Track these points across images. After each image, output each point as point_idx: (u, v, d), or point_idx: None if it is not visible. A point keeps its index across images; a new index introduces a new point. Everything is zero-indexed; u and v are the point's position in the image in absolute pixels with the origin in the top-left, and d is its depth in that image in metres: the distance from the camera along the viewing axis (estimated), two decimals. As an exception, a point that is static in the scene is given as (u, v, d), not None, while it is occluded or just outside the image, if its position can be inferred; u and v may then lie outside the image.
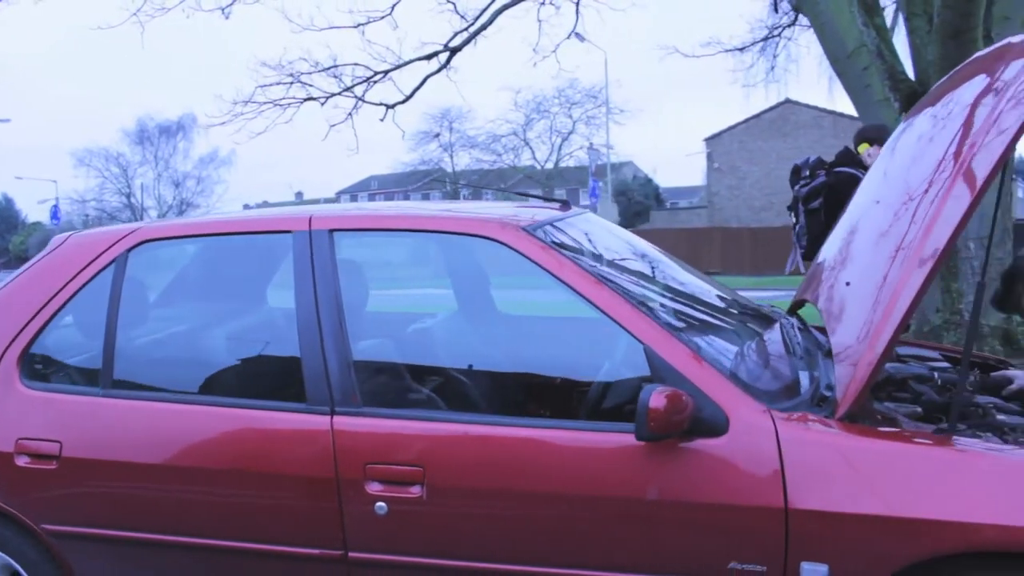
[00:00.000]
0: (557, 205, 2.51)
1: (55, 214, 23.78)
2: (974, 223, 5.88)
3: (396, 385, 2.10)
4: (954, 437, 1.82)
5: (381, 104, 8.91)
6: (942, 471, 1.71)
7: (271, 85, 8.02)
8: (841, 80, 6.14)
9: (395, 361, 2.18)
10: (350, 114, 8.46)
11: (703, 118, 58.04)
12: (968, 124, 2.05)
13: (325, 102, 8.36)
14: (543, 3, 8.70)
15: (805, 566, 1.72)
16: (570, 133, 30.02)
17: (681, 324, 1.98)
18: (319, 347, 2.02)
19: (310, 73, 8.15)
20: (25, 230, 41.44)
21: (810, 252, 4.42)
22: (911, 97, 5.94)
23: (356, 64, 8.30)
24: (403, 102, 8.60)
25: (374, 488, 1.92)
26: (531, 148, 30.26)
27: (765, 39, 10.39)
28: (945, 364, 2.76)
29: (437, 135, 31.20)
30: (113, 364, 2.17)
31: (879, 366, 1.77)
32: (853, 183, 4.14)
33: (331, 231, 2.12)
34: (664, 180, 47.99)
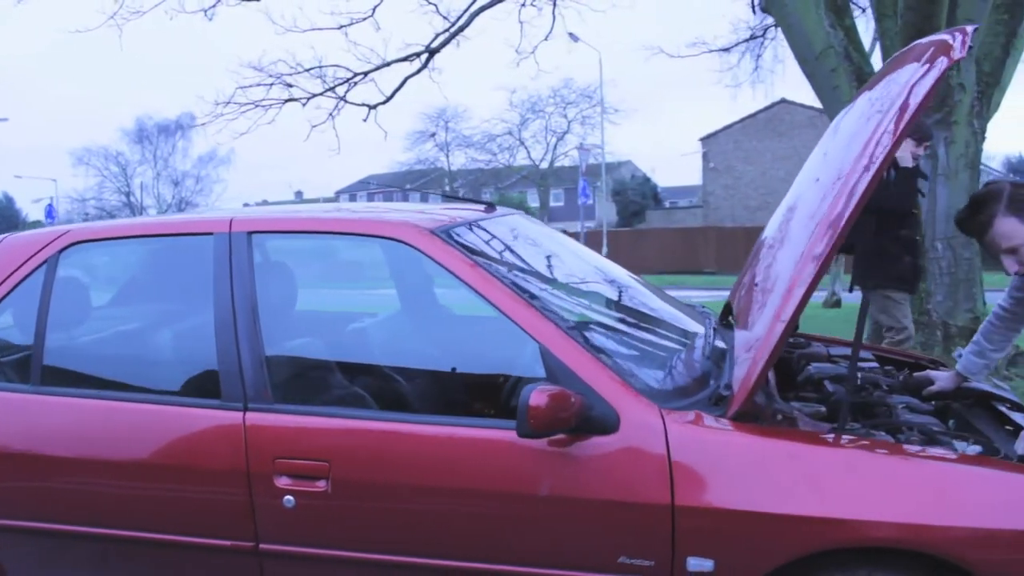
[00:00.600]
0: (482, 207, 2.55)
1: (50, 212, 23.92)
2: (941, 223, 5.90)
3: (308, 382, 2.15)
4: (843, 436, 1.86)
5: (363, 105, 8.96)
6: (825, 469, 1.75)
7: (251, 86, 8.08)
8: (810, 81, 6.16)
9: (309, 359, 2.23)
10: (331, 115, 8.52)
11: (701, 118, 58.06)
12: (872, 122, 2.08)
13: (306, 103, 8.42)
14: (524, 4, 8.74)
15: (691, 561, 1.77)
16: (565, 133, 30.12)
17: (581, 325, 2.02)
18: (234, 345, 2.07)
19: (290, 74, 8.21)
20: (25, 229, 41.56)
21: (843, 246, 4.48)
22: (878, 98, 5.98)
23: (336, 66, 8.36)
24: (384, 103, 8.65)
25: (283, 482, 1.98)
26: (526, 148, 30.35)
27: (748, 39, 10.41)
28: (875, 364, 2.80)
29: (433, 135, 31.29)
30: (42, 361, 2.23)
31: (767, 366, 1.81)
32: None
33: (249, 233, 2.17)
34: (663, 180, 47.97)
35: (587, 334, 1.96)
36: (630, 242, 30.07)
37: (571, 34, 24.93)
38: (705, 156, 31.27)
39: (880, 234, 4.26)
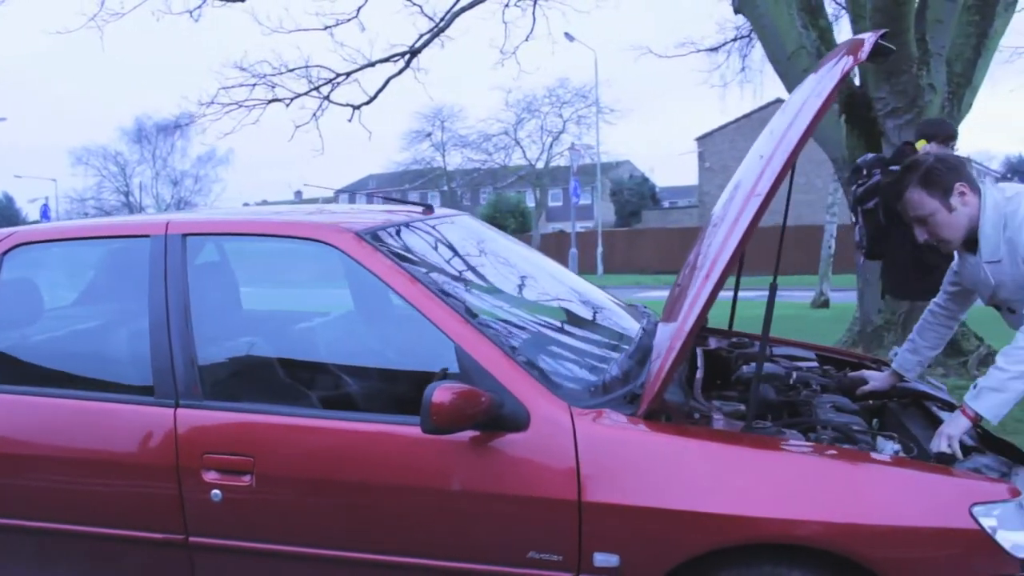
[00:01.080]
0: (421, 209, 2.59)
1: (45, 212, 24.03)
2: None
3: (237, 379, 2.20)
4: (750, 435, 1.89)
5: (348, 105, 9.01)
6: (729, 467, 1.78)
7: (233, 87, 8.13)
8: (783, 81, 6.20)
9: (239, 356, 2.27)
10: (315, 115, 8.57)
11: (699, 117, 58.04)
12: (785, 120, 2.12)
13: (290, 103, 8.47)
14: (507, 5, 8.78)
15: (598, 556, 1.81)
16: (560, 132, 30.11)
17: (500, 325, 2.06)
18: (167, 343, 2.12)
19: (273, 75, 8.26)
20: (23, 229, 41.64)
21: (871, 252, 4.32)
22: (851, 98, 6.01)
23: (319, 66, 8.41)
24: (367, 103, 8.70)
25: (210, 476, 2.03)
26: (522, 148, 30.36)
27: (735, 39, 10.43)
28: (815, 364, 2.83)
29: (429, 135, 31.34)
30: None
31: (674, 366, 1.85)
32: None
33: (184, 235, 2.22)
34: (661, 180, 48.03)
35: (504, 334, 2.00)
36: (626, 242, 30.10)
37: (567, 34, 25.10)
38: (701, 156, 31.28)
39: (917, 244, 4.17)
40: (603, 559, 1.80)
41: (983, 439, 2.24)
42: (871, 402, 2.58)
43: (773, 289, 1.99)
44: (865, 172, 4.31)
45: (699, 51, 11.16)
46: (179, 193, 43.26)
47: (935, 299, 2.60)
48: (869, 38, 1.93)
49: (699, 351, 2.69)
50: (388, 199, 2.68)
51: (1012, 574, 1.72)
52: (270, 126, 9.29)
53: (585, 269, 29.04)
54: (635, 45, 28.40)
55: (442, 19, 8.14)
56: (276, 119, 9.34)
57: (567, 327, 2.31)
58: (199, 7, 8.38)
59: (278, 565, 2.03)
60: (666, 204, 43.50)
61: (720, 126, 30.23)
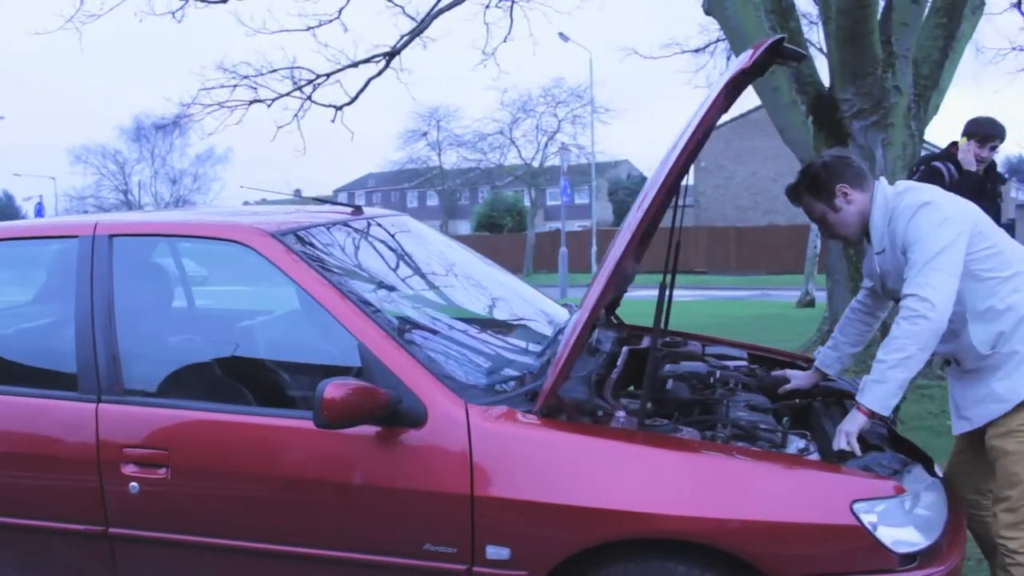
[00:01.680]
0: (350, 210, 2.65)
1: (39, 211, 24.17)
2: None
3: (156, 376, 2.25)
4: (640, 433, 1.94)
5: (330, 106, 9.07)
6: (616, 464, 1.83)
7: (214, 88, 8.20)
8: (752, 82, 6.24)
9: (159, 353, 2.33)
10: (296, 116, 8.63)
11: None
12: (691, 119, 2.16)
13: (271, 104, 8.53)
14: (488, 6, 8.83)
15: (490, 549, 1.86)
16: (555, 132, 30.10)
17: (406, 324, 2.12)
18: (91, 341, 2.18)
19: (255, 76, 8.31)
20: (22, 227, 41.81)
21: None
22: (818, 99, 6.05)
23: (299, 67, 8.47)
24: (349, 103, 8.76)
25: (129, 469, 2.09)
26: (517, 147, 30.36)
27: (717, 40, 10.45)
28: (743, 363, 2.87)
29: (424, 134, 31.38)
30: None
31: (567, 365, 1.90)
32: (933, 177, 3.93)
33: (111, 236, 2.28)
34: (661, 179, 47.88)
35: (409, 333, 2.06)
36: (621, 241, 30.05)
37: (561, 34, 25.12)
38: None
39: None
40: (495, 552, 1.85)
41: (892, 437, 2.29)
42: (797, 401, 2.62)
43: (662, 288, 2.04)
44: (914, 169, 4.32)
45: (684, 52, 11.20)
46: (178, 191, 43.32)
47: (856, 296, 2.65)
48: (762, 45, 1.98)
49: (624, 350, 2.74)
50: (320, 200, 2.74)
51: (891, 568, 1.76)
52: (269, 125, 9.35)
53: (581, 268, 29.10)
54: (622, 46, 28.38)
55: (422, 21, 8.19)
56: (274, 118, 9.40)
57: (477, 327, 2.36)
58: (181, 8, 8.43)
59: (191, 555, 2.09)
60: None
61: (715, 126, 30.14)
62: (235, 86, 8.22)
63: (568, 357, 1.90)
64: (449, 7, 7.94)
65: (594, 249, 27.35)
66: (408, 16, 8.82)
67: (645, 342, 3.03)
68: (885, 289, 2.35)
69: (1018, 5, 9.48)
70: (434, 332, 2.16)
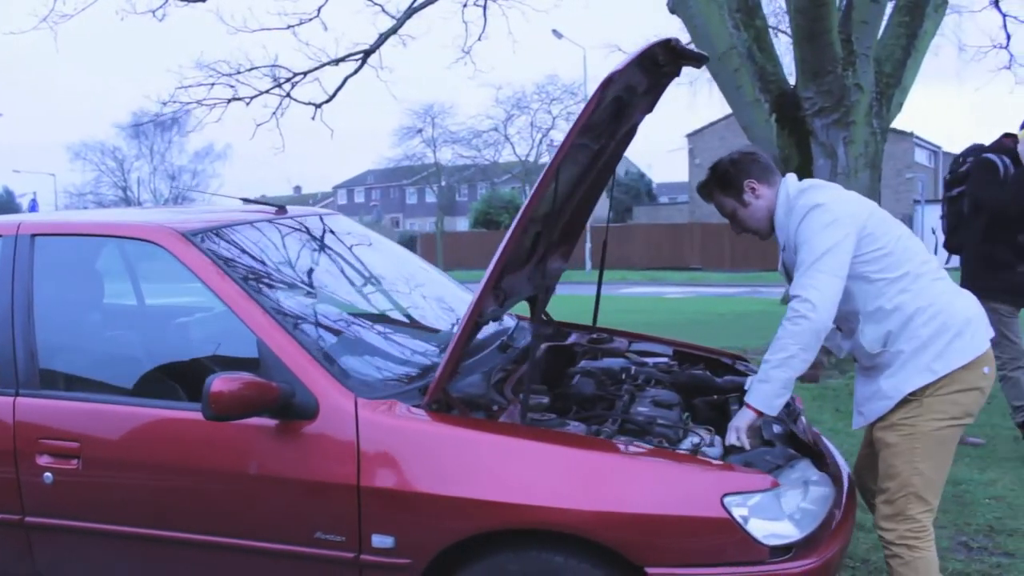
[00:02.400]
0: (274, 210, 2.71)
1: (33, 207, 24.30)
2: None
3: (71, 370, 2.32)
4: (522, 427, 2.00)
5: (310, 103, 9.14)
6: (495, 457, 1.89)
7: (192, 86, 8.27)
8: (716, 81, 6.28)
9: (74, 348, 2.40)
10: (274, 114, 8.70)
11: (692, 114, 57.94)
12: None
13: (250, 102, 8.60)
14: (466, 4, 8.88)
15: (375, 537, 1.93)
16: (550, 129, 30.18)
17: (307, 321, 2.18)
18: (11, 337, 2.26)
19: (232, 74, 8.38)
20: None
21: (948, 244, 4.15)
22: (780, 98, 6.10)
23: (277, 66, 8.54)
24: (327, 101, 8.83)
25: (43, 460, 2.17)
26: (511, 144, 30.46)
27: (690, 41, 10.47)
28: (663, 360, 2.92)
29: (419, 131, 31.45)
30: None
31: (451, 361, 1.96)
32: (987, 170, 3.85)
33: (33, 236, 2.35)
34: (659, 176, 48.02)
35: (307, 329, 2.12)
36: (616, 238, 30.09)
37: (554, 31, 25.13)
38: (691, 152, 31.29)
39: (992, 238, 3.90)
40: (380, 540, 1.92)
41: (790, 434, 2.35)
42: (715, 397, 2.67)
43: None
44: (960, 159, 4.16)
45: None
46: (177, 188, 43.44)
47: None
48: (643, 49, 2.03)
49: (542, 347, 2.80)
50: (245, 200, 2.81)
51: (762, 560, 1.81)
52: (270, 124, 9.40)
53: (575, 264, 29.12)
54: (607, 43, 28.43)
55: (398, 20, 8.25)
56: (253, 115, 9.46)
57: (381, 324, 2.42)
58: (162, 7, 8.50)
59: (102, 543, 2.16)
60: (665, 200, 43.48)
61: (711, 123, 30.22)
62: (212, 84, 8.29)
63: (451, 354, 1.96)
64: (423, 6, 8.00)
65: (588, 246, 27.39)
66: (388, 14, 8.89)
67: (573, 338, 3.09)
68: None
69: (996, 3, 9.51)
70: (334, 329, 2.23)
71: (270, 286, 2.23)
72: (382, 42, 8.21)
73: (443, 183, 35.07)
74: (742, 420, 2.14)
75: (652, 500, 1.81)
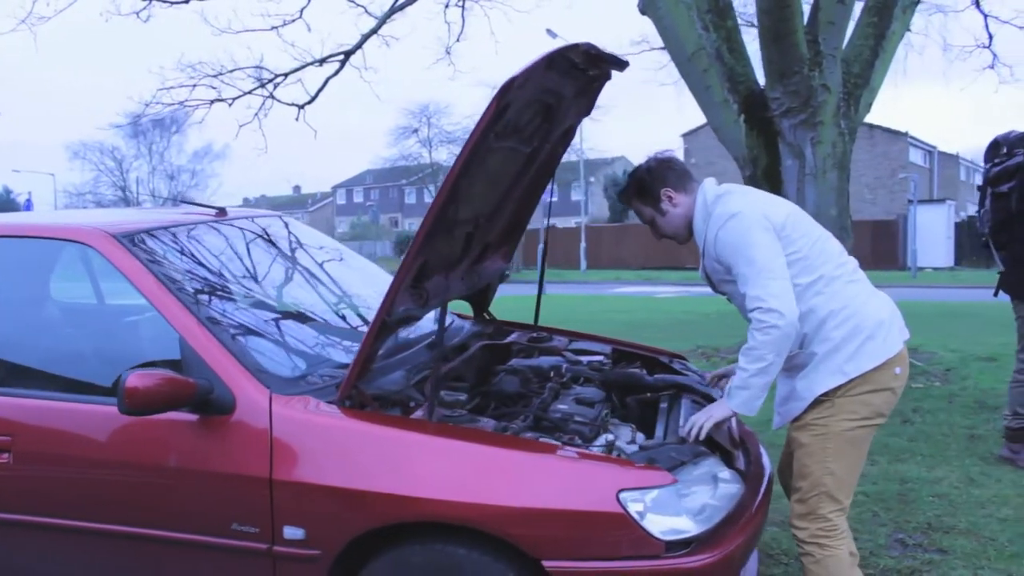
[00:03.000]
0: (214, 212, 2.77)
1: (28, 207, 24.43)
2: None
3: (4, 367, 2.38)
4: (427, 423, 2.05)
5: (293, 104, 9.19)
6: (399, 452, 1.94)
7: (173, 88, 8.33)
8: (686, 82, 6.30)
9: (8, 346, 2.45)
10: (256, 115, 8.76)
11: (689, 113, 57.95)
12: None
13: (232, 103, 8.66)
14: (448, 5, 8.94)
15: (287, 529, 1.98)
16: (545, 129, 30.22)
17: (231, 320, 2.24)
18: None
19: (213, 76, 8.44)
20: (22, 224, 42.20)
21: (995, 240, 3.95)
22: (749, 98, 6.12)
23: (259, 67, 8.59)
24: (309, 102, 8.89)
25: None
26: (506, 144, 30.44)
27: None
28: (598, 359, 2.97)
29: (415, 130, 31.53)
30: None
31: (361, 359, 2.02)
32: None
33: None
34: (659, 175, 47.95)
35: (229, 327, 2.18)
36: (612, 238, 30.18)
37: (548, 30, 25.15)
38: (687, 152, 31.31)
39: None
40: (291, 532, 1.98)
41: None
42: (648, 395, 2.72)
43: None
44: (1005, 151, 3.95)
45: (652, 49, 11.26)
46: (176, 188, 43.52)
47: None
48: (547, 52, 2.08)
49: (476, 345, 2.86)
50: (186, 202, 2.87)
51: (657, 555, 1.84)
52: (267, 124, 9.48)
53: (571, 264, 29.17)
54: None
55: (378, 21, 8.30)
56: (271, 117, 9.48)
57: (306, 323, 2.48)
58: (146, 7, 8.56)
59: (32, 535, 2.22)
60: (665, 200, 43.46)
61: (705, 123, 30.20)
62: (194, 86, 8.35)
63: (360, 352, 2.01)
64: (402, 7, 8.05)
65: (583, 246, 27.44)
66: (371, 15, 8.95)
67: (513, 336, 3.14)
68: (715, 289, 2.43)
69: (977, 3, 9.54)
70: (256, 327, 2.28)
71: (196, 286, 2.29)
72: (362, 43, 8.27)
73: (438, 183, 35.03)
74: (712, 415, 2.16)
75: (547, 495, 1.86)
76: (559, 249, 30.54)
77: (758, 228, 2.17)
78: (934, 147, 33.52)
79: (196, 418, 2.06)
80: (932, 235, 25.26)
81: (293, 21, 8.99)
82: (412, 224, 42.44)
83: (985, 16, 9.78)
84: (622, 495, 1.85)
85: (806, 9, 6.17)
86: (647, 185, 2.40)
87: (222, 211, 2.79)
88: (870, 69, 6.17)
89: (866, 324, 2.20)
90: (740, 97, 6.10)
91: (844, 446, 2.19)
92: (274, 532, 2.00)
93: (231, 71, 8.48)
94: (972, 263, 25.86)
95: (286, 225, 2.98)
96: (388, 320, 2.04)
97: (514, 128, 2.37)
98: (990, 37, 10.16)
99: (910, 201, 25.32)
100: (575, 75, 2.44)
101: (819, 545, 2.21)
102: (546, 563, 1.85)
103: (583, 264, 27.49)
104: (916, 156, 32.30)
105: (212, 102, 8.71)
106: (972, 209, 37.34)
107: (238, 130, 8.92)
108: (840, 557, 2.22)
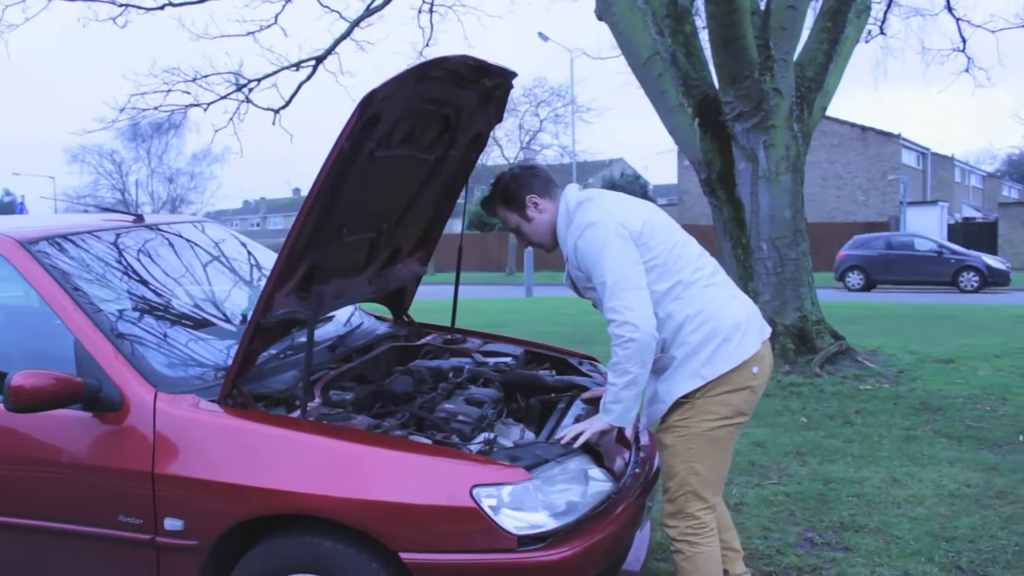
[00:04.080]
0: (131, 218, 2.87)
1: (20, 210, 24.62)
2: (765, 224, 6.14)
3: None
4: (302, 421, 2.14)
5: (268, 109, 9.31)
6: (269, 447, 2.03)
7: (148, 93, 8.45)
8: (642, 86, 6.40)
9: None
10: (231, 120, 8.88)
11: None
12: None
13: (208, 108, 8.77)
14: (420, 11, 9.05)
15: (167, 521, 2.07)
16: (538, 131, 30.36)
17: (125, 322, 2.32)
18: None
19: (188, 80, 8.56)
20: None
21: None
22: (703, 103, 6.22)
23: (232, 73, 8.71)
24: (284, 107, 9.01)
25: None
26: (499, 146, 30.60)
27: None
28: (505, 360, 3.03)
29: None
30: None
31: (237, 360, 2.11)
32: None
33: None
34: (656, 178, 48.18)
35: (122, 330, 2.26)
36: (606, 239, 30.14)
37: (540, 33, 25.29)
38: (680, 154, 31.33)
39: None
40: (171, 523, 2.07)
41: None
42: (552, 395, 2.79)
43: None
44: None
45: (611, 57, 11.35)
46: (175, 191, 43.62)
47: None
48: (414, 65, 2.16)
49: (383, 346, 2.95)
50: (106, 209, 2.97)
51: (510, 548, 1.91)
52: (265, 124, 9.54)
53: (564, 267, 29.14)
54: (573, 47, 28.52)
55: (348, 26, 8.41)
56: (269, 118, 9.57)
57: (204, 326, 2.56)
58: (121, 13, 8.68)
59: None
60: (664, 201, 43.58)
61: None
62: (168, 91, 8.46)
63: (238, 354, 2.11)
64: (371, 13, 8.15)
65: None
66: (345, 20, 9.07)
67: (430, 338, 3.22)
68: (581, 296, 2.46)
69: (949, 7, 9.62)
70: (151, 330, 2.37)
71: (95, 290, 2.38)
72: (333, 48, 8.39)
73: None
74: (589, 427, 2.19)
75: (404, 490, 1.94)
76: (554, 252, 30.53)
77: (614, 237, 2.21)
78: (927, 149, 33.56)
79: (89, 415, 2.15)
80: (925, 237, 25.30)
81: (269, 27, 9.11)
82: (410, 226, 42.62)
83: (957, 20, 9.88)
84: (475, 490, 1.92)
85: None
86: (512, 192, 2.42)
87: (139, 217, 2.89)
88: (824, 73, 6.27)
89: (722, 327, 2.24)
90: (694, 101, 6.20)
91: (706, 446, 2.25)
92: (156, 523, 2.08)
93: (205, 76, 8.59)
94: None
95: (203, 230, 3.08)
96: (263, 323, 2.13)
97: (407, 137, 2.45)
98: (964, 41, 10.25)
99: (902, 202, 25.36)
100: (469, 85, 2.53)
101: (688, 543, 2.28)
102: (403, 555, 1.93)
103: (576, 266, 27.54)
104: (909, 158, 32.34)
105: (187, 107, 8.83)
106: (967, 210, 37.30)
107: (213, 135, 9.03)
108: (708, 554, 2.28)
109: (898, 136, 30.18)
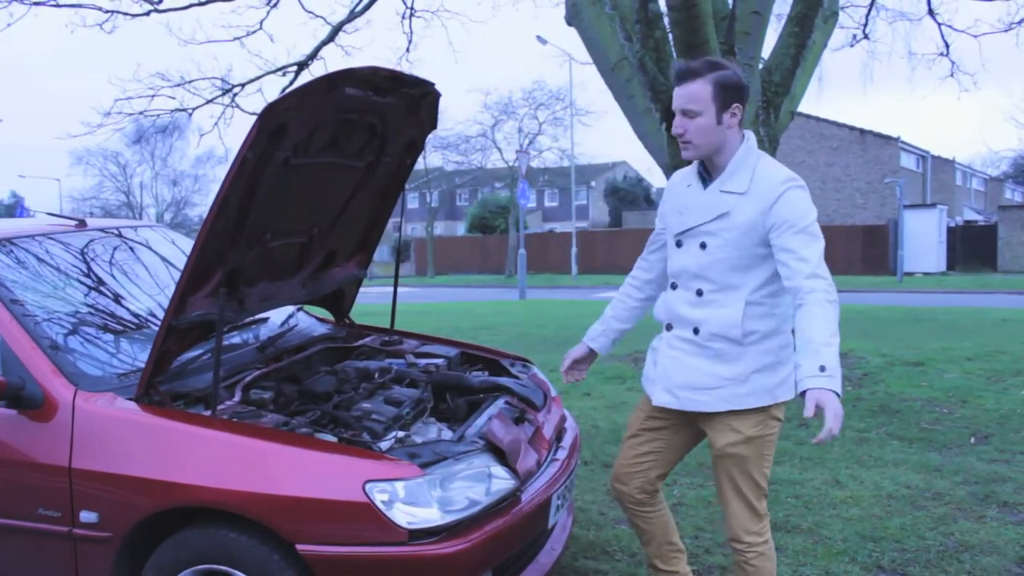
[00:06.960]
0: (74, 223, 2.97)
1: (22, 213, 24.85)
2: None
3: None
4: (212, 418, 2.24)
5: (254, 114, 9.42)
6: (177, 443, 2.13)
7: (133, 98, 8.57)
8: (610, 91, 6.46)
9: None
10: (216, 124, 9.00)
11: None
12: None
13: (192, 113, 8.90)
14: (404, 16, 9.15)
15: (83, 513, 2.17)
16: (537, 134, 30.44)
17: (51, 323, 2.42)
18: None
19: (173, 85, 8.68)
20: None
21: None
22: (670, 107, 6.28)
23: (216, 78, 8.84)
24: (269, 111, 9.09)
25: None
26: (499, 149, 30.72)
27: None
28: (436, 361, 3.12)
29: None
30: None
31: (152, 360, 2.21)
32: None
33: None
34: (660, 181, 48.15)
35: (47, 330, 2.36)
36: (606, 243, 30.33)
37: (539, 37, 25.37)
38: (680, 156, 31.30)
39: None
40: (86, 516, 2.16)
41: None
42: (482, 395, 2.88)
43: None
44: None
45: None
46: (179, 193, 43.85)
47: (632, 272, 2.59)
48: (317, 78, 2.25)
49: (318, 347, 3.04)
50: (51, 214, 3.08)
51: (401, 542, 1.99)
52: (146, 137, 9.68)
53: (564, 269, 29.31)
54: (560, 53, 28.56)
55: (330, 31, 8.52)
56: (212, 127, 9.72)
57: (130, 327, 2.66)
58: (107, 20, 8.81)
59: None
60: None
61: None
62: (153, 95, 8.59)
63: (151, 353, 2.21)
64: (353, 19, 8.26)
65: (574, 251, 27.59)
66: (330, 25, 9.17)
67: (368, 340, 3.31)
68: (669, 227, 2.35)
69: (931, 12, 9.66)
70: (76, 330, 2.48)
71: (24, 292, 2.48)
72: (316, 53, 8.50)
73: (443, 187, 35.33)
74: (832, 406, 1.95)
75: (300, 484, 2.03)
76: (553, 255, 30.71)
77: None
78: (927, 152, 33.47)
79: (13, 412, 2.25)
80: (923, 240, 25.23)
81: (254, 32, 9.22)
82: (414, 228, 42.78)
83: (940, 25, 9.91)
84: (368, 485, 2.01)
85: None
86: (731, 85, 2.15)
87: (82, 222, 2.99)
88: (791, 78, 6.31)
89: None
90: (662, 106, 6.25)
91: (771, 448, 2.36)
92: (73, 516, 2.18)
93: (191, 81, 8.71)
94: (965, 268, 25.81)
95: (144, 235, 3.18)
96: (176, 324, 2.22)
97: (329, 145, 2.54)
98: (947, 45, 10.29)
99: (899, 206, 25.31)
100: (389, 95, 2.61)
101: (767, 542, 2.43)
102: (299, 547, 2.01)
103: (574, 269, 27.63)
104: (909, 161, 32.26)
105: (173, 112, 8.95)
106: (968, 214, 37.11)
107: (199, 139, 9.15)
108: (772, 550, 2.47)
109: (897, 139, 30.13)
